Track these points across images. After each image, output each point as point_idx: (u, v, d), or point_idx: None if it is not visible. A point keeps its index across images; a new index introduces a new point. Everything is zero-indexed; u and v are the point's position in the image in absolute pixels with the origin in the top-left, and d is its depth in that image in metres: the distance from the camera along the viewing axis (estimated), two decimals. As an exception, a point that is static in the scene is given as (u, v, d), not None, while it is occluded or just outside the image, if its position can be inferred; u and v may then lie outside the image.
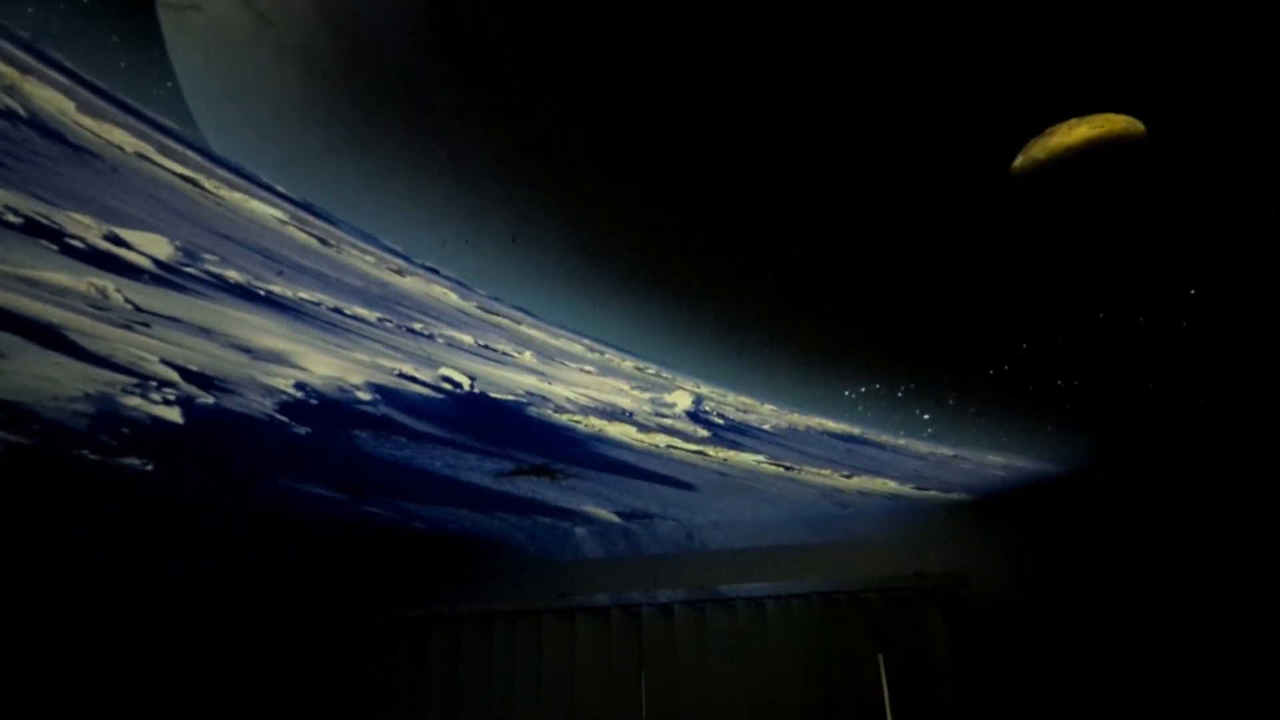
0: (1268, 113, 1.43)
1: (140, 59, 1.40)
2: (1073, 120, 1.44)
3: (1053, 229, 1.72)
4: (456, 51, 1.35)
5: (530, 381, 2.52)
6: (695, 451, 3.11)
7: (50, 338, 2.17)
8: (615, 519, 4.03)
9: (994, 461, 3.25)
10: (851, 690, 3.43)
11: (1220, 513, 3.38)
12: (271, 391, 2.51)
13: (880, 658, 3.47)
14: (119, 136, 1.57)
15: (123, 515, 3.47)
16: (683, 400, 2.66)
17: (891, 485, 3.56)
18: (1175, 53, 1.31)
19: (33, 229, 1.77)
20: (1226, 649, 3.19)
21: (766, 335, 2.29)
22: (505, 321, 2.21)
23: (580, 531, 4.20)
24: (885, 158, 1.55)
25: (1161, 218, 1.71)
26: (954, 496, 3.73)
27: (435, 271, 1.99)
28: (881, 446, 3.05)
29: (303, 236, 1.86)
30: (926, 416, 2.76)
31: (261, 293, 2.05)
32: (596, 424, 2.83)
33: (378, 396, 2.57)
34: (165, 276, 1.95)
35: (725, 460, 3.20)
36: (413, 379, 2.49)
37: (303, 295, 2.07)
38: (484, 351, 2.36)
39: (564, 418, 2.77)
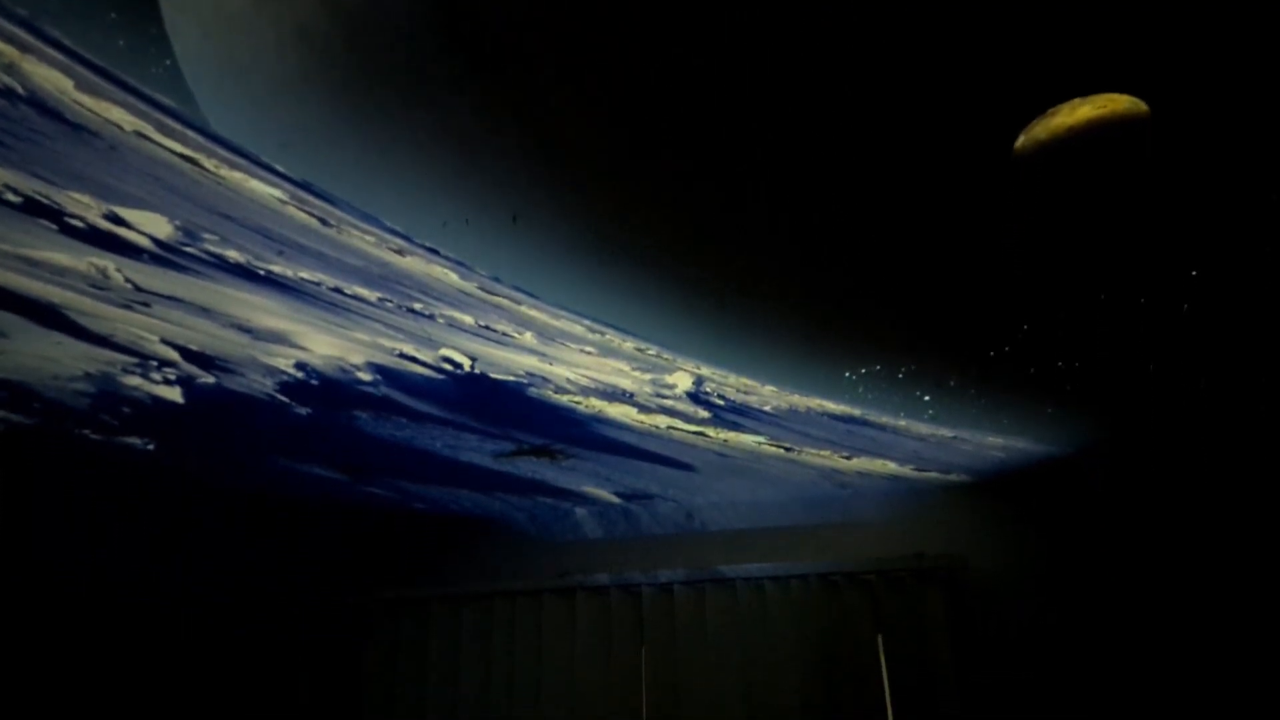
0: (1273, 94, 1.42)
1: (139, 37, 1.39)
2: (1075, 100, 1.43)
3: (1055, 210, 1.72)
4: (456, 30, 1.35)
5: (531, 362, 2.52)
6: (695, 432, 3.12)
7: (51, 317, 2.17)
8: (615, 499, 4.04)
9: (994, 443, 3.25)
10: (850, 670, 3.45)
11: (1220, 495, 3.38)
12: (272, 371, 2.51)
13: (879, 638, 3.49)
14: (118, 115, 1.56)
15: (124, 495, 3.47)
16: (683, 381, 2.66)
17: (891, 466, 3.56)
18: (1179, 32, 1.30)
19: (32, 208, 1.77)
20: (1225, 631, 3.21)
21: (767, 316, 2.29)
22: (506, 302, 2.21)
23: (580, 512, 4.21)
24: (886, 138, 1.55)
25: (1164, 199, 1.71)
26: (954, 478, 3.73)
27: (436, 252, 1.99)
28: (881, 428, 3.05)
29: (303, 216, 1.86)
30: (927, 398, 2.76)
31: (262, 272, 2.04)
32: (597, 405, 2.83)
33: (378, 377, 2.57)
34: (165, 256, 1.95)
35: (725, 441, 3.21)
36: (413, 359, 2.49)
37: (303, 275, 2.07)
38: (484, 332, 2.35)
39: (564, 399, 2.77)
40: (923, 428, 3.05)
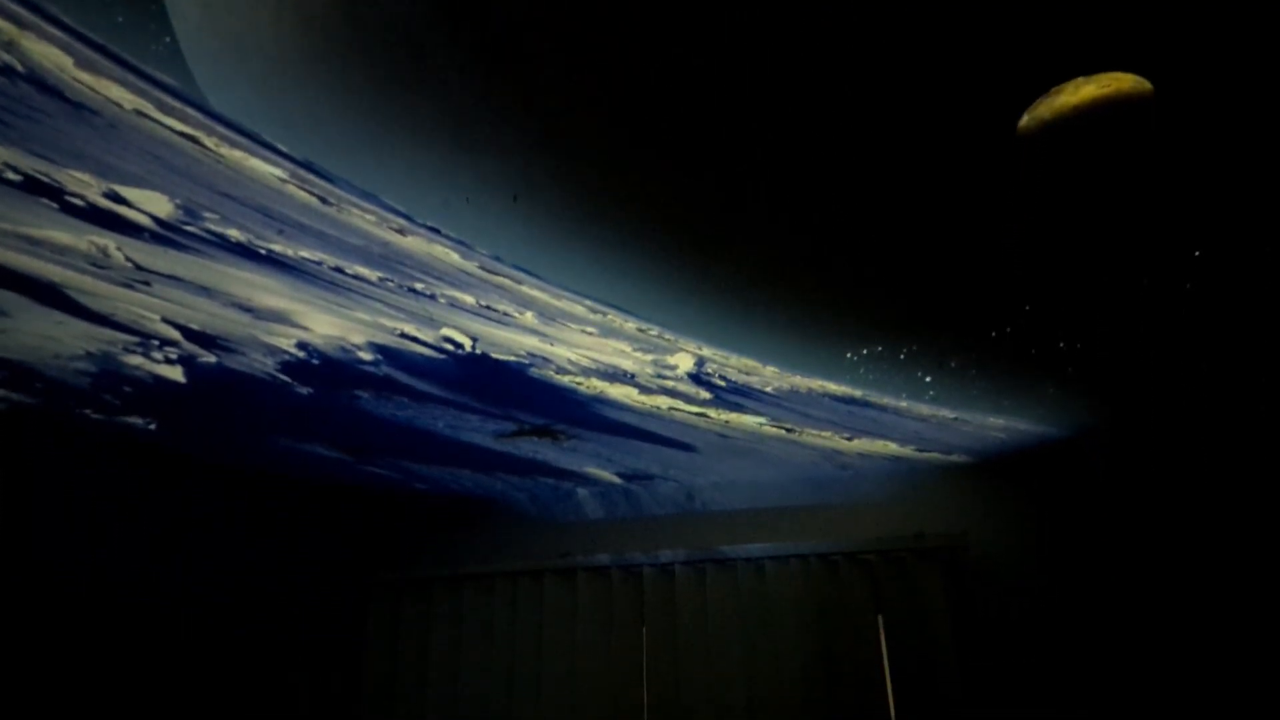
0: (1278, 72, 1.41)
1: (138, 14, 1.39)
2: (1079, 79, 1.42)
3: (1058, 189, 1.71)
4: (457, 8, 1.34)
5: (532, 343, 2.52)
6: (697, 413, 3.12)
7: (52, 296, 2.17)
8: (617, 480, 4.05)
9: (995, 424, 3.26)
10: (850, 650, 3.47)
11: (1220, 477, 3.39)
12: (273, 351, 2.51)
13: (879, 618, 3.50)
14: (117, 93, 1.56)
15: (125, 475, 3.48)
16: (685, 362, 2.66)
17: (892, 447, 3.57)
18: (1183, 9, 1.29)
19: (33, 186, 1.76)
20: (1224, 612, 3.22)
21: (769, 297, 2.29)
22: (507, 282, 2.21)
23: (582, 492, 4.22)
24: (890, 117, 1.54)
25: (1168, 178, 1.70)
26: (954, 459, 3.74)
27: (437, 231, 1.98)
28: (883, 409, 3.05)
29: (303, 195, 1.85)
30: (928, 379, 2.76)
31: (262, 252, 2.04)
32: (598, 385, 2.83)
33: (380, 357, 2.57)
34: (166, 235, 1.94)
35: (727, 422, 3.21)
36: (414, 339, 2.49)
37: (304, 254, 2.07)
38: (486, 312, 2.35)
39: (566, 379, 2.77)
40: (924, 409, 3.06)
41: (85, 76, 1.52)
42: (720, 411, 3.09)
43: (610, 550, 3.92)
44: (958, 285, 2.20)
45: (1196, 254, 2.00)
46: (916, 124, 1.55)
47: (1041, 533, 3.60)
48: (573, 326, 2.43)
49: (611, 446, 3.52)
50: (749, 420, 3.19)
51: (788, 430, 3.31)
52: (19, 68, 1.47)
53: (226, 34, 1.43)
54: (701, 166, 1.71)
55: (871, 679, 3.42)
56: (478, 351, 2.56)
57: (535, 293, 2.25)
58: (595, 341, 2.52)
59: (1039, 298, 2.24)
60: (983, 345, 2.52)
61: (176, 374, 2.61)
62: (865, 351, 2.57)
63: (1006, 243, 1.94)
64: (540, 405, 3.02)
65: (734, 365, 2.69)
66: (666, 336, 2.49)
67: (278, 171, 1.78)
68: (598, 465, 3.80)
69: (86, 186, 1.79)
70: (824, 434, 3.37)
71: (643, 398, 2.94)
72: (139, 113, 1.60)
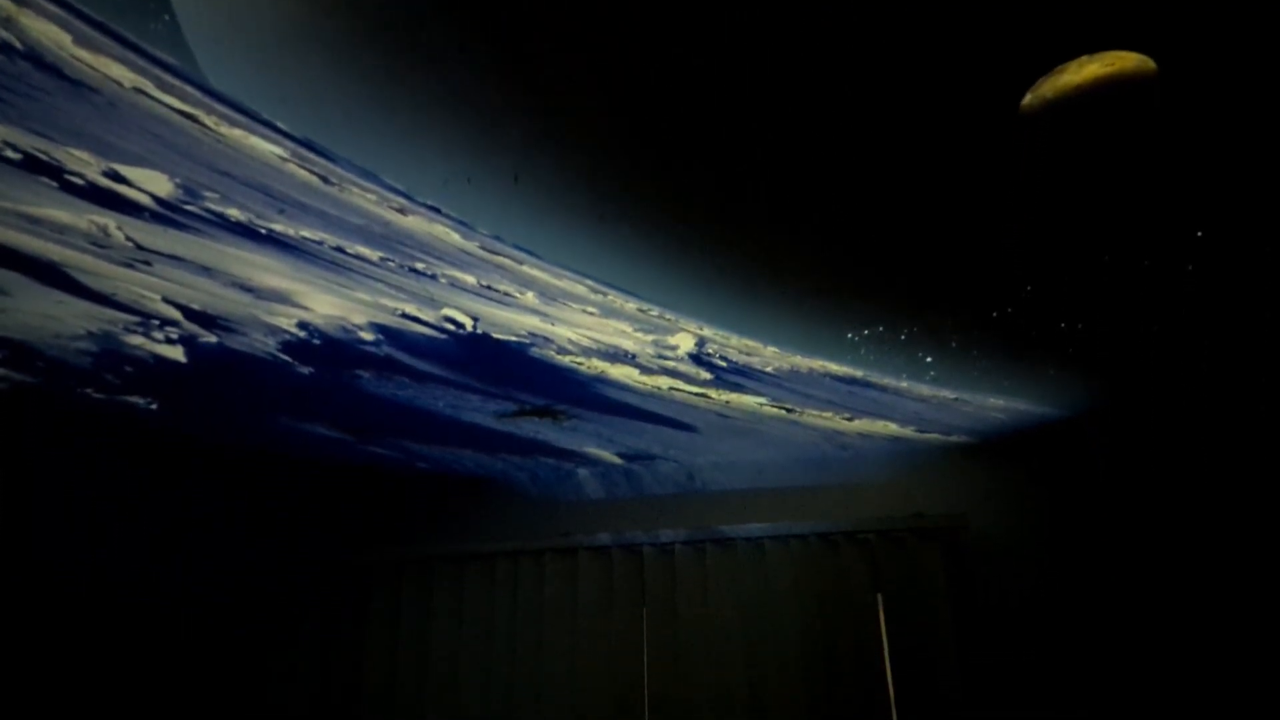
0: (1282, 51, 1.41)
1: (137, -10, 1.38)
2: (1083, 58, 1.42)
3: (1061, 169, 1.71)
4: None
5: (533, 323, 2.52)
6: (697, 394, 3.12)
7: (52, 275, 2.16)
8: (617, 460, 4.06)
9: (995, 405, 3.26)
10: (850, 629, 3.49)
11: (1221, 458, 3.39)
12: (274, 331, 2.51)
13: (879, 598, 3.52)
14: (117, 71, 1.55)
15: (126, 454, 3.49)
16: (685, 342, 2.66)
17: (892, 428, 3.57)
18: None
19: (32, 165, 1.76)
20: (1224, 593, 3.23)
21: (770, 277, 2.29)
22: (508, 262, 2.21)
23: (582, 472, 4.23)
24: (892, 96, 1.53)
25: (1171, 158, 1.69)
26: (955, 439, 3.74)
27: (437, 210, 1.98)
28: (883, 389, 3.06)
29: (303, 174, 1.85)
30: (929, 359, 2.76)
31: (263, 231, 2.04)
32: (599, 366, 2.83)
33: (380, 337, 2.57)
34: (166, 214, 1.94)
35: (727, 403, 3.21)
36: (415, 319, 2.48)
37: (304, 234, 2.06)
38: (486, 292, 2.35)
39: (566, 359, 2.77)
40: (925, 389, 3.06)
41: (84, 54, 1.51)
42: (721, 392, 3.09)
43: (611, 530, 3.93)
44: (960, 266, 2.20)
45: (1199, 234, 1.99)
46: (920, 103, 1.54)
47: (1042, 513, 3.61)
48: (574, 306, 2.42)
49: (612, 427, 3.53)
50: (749, 401, 3.19)
51: (788, 411, 3.31)
52: (17, 45, 1.46)
53: (226, 11, 1.42)
54: (703, 145, 1.71)
55: (870, 658, 3.43)
56: (479, 332, 2.56)
57: (536, 273, 2.25)
58: (596, 322, 2.51)
59: (1041, 278, 2.23)
60: (984, 326, 2.52)
61: (177, 354, 2.61)
62: (866, 332, 2.57)
63: (1009, 223, 1.94)
64: (541, 385, 3.02)
65: (735, 346, 2.69)
66: (667, 317, 2.49)
67: (278, 150, 1.77)
68: (598, 445, 3.80)
69: (86, 165, 1.78)
70: (824, 414, 3.37)
71: (643, 378, 2.95)
72: (138, 90, 1.60)
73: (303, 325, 2.48)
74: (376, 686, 3.88)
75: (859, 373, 2.90)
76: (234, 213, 1.96)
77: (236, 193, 1.89)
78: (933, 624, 3.40)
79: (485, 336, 2.59)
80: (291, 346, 2.61)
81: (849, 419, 3.43)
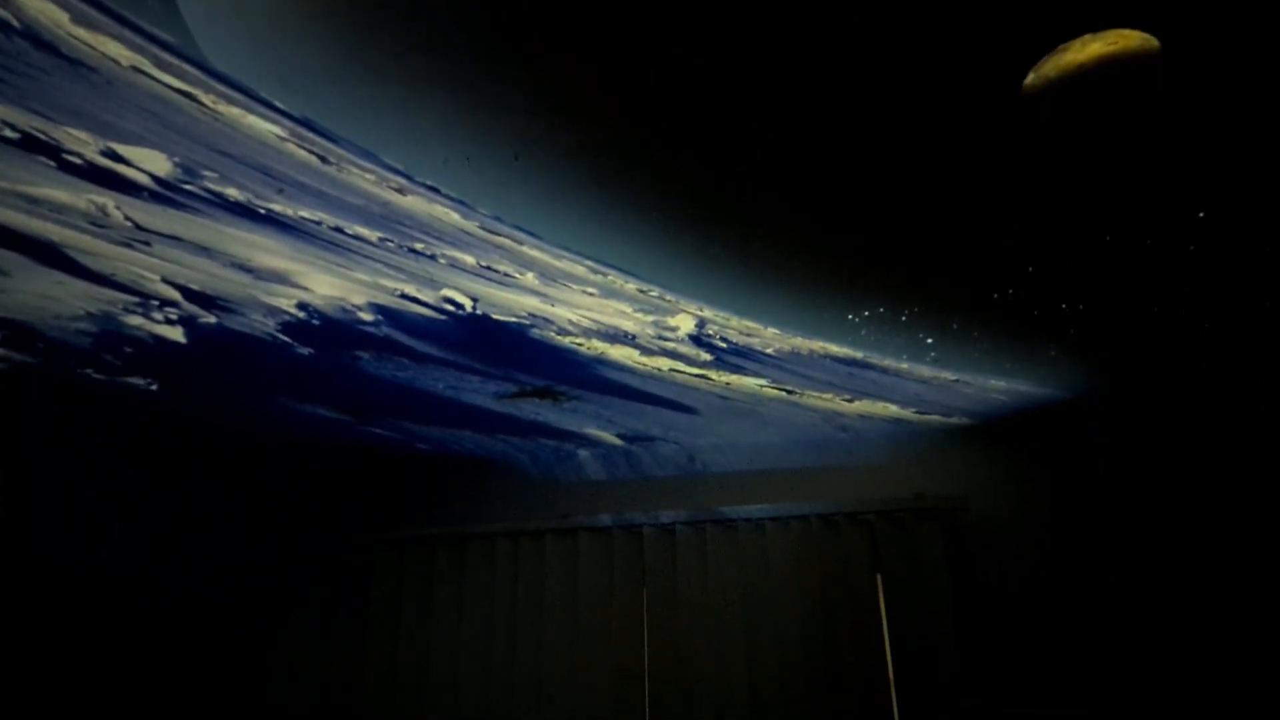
0: (1287, 29, 1.40)
1: (134, -33, 1.37)
2: (1086, 36, 1.41)
3: (1063, 148, 1.70)
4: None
5: (532, 303, 2.52)
6: (698, 375, 3.12)
7: (51, 256, 2.16)
8: (617, 441, 4.06)
9: (996, 386, 3.26)
10: (849, 610, 3.50)
11: (1222, 441, 3.39)
12: (274, 311, 2.51)
13: (879, 578, 3.53)
14: (114, 49, 1.54)
15: (126, 435, 3.49)
16: (685, 324, 2.66)
17: (893, 409, 3.57)
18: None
19: (30, 144, 1.75)
20: (1222, 575, 3.24)
21: (771, 258, 2.28)
22: (507, 242, 2.20)
23: (583, 453, 4.24)
24: (894, 76, 1.53)
25: (1174, 138, 1.69)
26: (955, 420, 3.75)
27: (436, 190, 1.97)
28: (884, 371, 3.06)
29: (302, 154, 1.84)
30: (930, 341, 2.76)
31: (262, 211, 2.03)
32: (599, 347, 2.83)
33: (380, 317, 2.57)
34: (165, 194, 1.93)
35: (727, 384, 3.22)
36: (415, 300, 2.48)
37: (303, 214, 2.06)
38: (486, 273, 2.35)
39: (566, 340, 2.77)
40: (925, 371, 3.06)
41: (82, 32, 1.50)
42: (721, 373, 3.09)
43: (611, 510, 3.94)
44: (961, 246, 2.19)
45: (1201, 215, 1.99)
46: (922, 82, 1.54)
47: (1041, 494, 3.62)
48: (573, 287, 2.42)
49: (612, 408, 3.53)
50: (749, 382, 3.19)
51: (788, 392, 3.31)
52: (14, 23, 1.46)
53: (223, -11, 1.42)
54: (703, 126, 1.70)
55: (870, 637, 3.45)
56: (478, 312, 2.55)
57: (536, 253, 2.25)
58: (596, 302, 2.51)
59: (1042, 259, 2.23)
60: (985, 307, 2.52)
61: (177, 334, 2.61)
62: (867, 313, 2.57)
63: (1011, 203, 1.93)
64: (541, 367, 3.02)
65: (735, 327, 2.68)
66: (667, 298, 2.49)
67: (276, 129, 1.76)
68: (599, 427, 3.81)
69: (84, 144, 1.78)
70: (824, 396, 3.37)
71: (643, 359, 2.94)
72: (136, 69, 1.59)
73: (302, 306, 2.47)
74: (379, 664, 3.90)
75: (859, 354, 2.90)
76: (233, 192, 1.95)
77: (235, 172, 1.89)
78: (932, 604, 3.41)
79: (485, 317, 2.58)
80: (291, 327, 2.61)
81: (849, 400, 3.43)
